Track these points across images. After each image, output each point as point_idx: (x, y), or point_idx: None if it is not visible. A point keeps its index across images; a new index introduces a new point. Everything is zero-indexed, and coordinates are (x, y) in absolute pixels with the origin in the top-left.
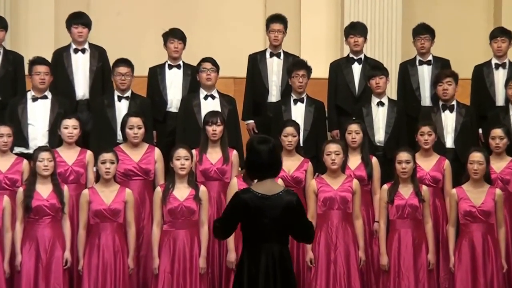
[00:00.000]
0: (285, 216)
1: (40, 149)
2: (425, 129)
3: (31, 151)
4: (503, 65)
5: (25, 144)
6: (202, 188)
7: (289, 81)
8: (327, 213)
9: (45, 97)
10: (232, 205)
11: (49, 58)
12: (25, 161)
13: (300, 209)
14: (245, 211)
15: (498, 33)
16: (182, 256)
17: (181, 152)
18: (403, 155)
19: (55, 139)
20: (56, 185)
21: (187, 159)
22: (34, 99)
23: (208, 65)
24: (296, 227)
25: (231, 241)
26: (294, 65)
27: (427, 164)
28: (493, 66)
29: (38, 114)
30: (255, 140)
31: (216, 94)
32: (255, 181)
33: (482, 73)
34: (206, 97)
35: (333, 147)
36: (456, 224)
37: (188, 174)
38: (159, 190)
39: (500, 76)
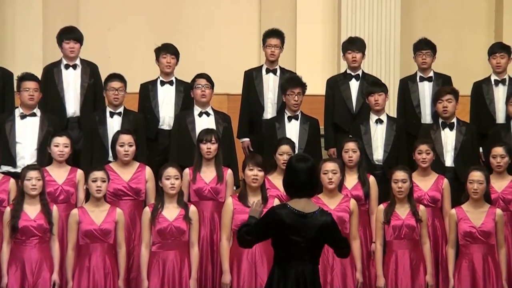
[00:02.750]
0: (319, 236)
1: (28, 167)
2: (423, 147)
3: (18, 170)
4: (502, 82)
5: (13, 163)
6: (192, 208)
7: (283, 98)
8: None
9: (34, 114)
10: (266, 219)
11: (37, 74)
12: (11, 180)
13: (334, 229)
14: (279, 227)
15: (496, 48)
16: (172, 278)
17: (171, 171)
18: (399, 174)
19: (44, 158)
20: (45, 205)
21: (177, 178)
22: (23, 116)
23: (202, 81)
24: (331, 244)
25: (225, 262)
26: (289, 82)
27: (426, 183)
28: (493, 82)
29: (26, 131)
30: (294, 158)
31: (210, 111)
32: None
33: (481, 90)
34: (200, 114)
35: (330, 166)
36: (455, 245)
37: (178, 193)
38: (147, 210)
39: (500, 92)
